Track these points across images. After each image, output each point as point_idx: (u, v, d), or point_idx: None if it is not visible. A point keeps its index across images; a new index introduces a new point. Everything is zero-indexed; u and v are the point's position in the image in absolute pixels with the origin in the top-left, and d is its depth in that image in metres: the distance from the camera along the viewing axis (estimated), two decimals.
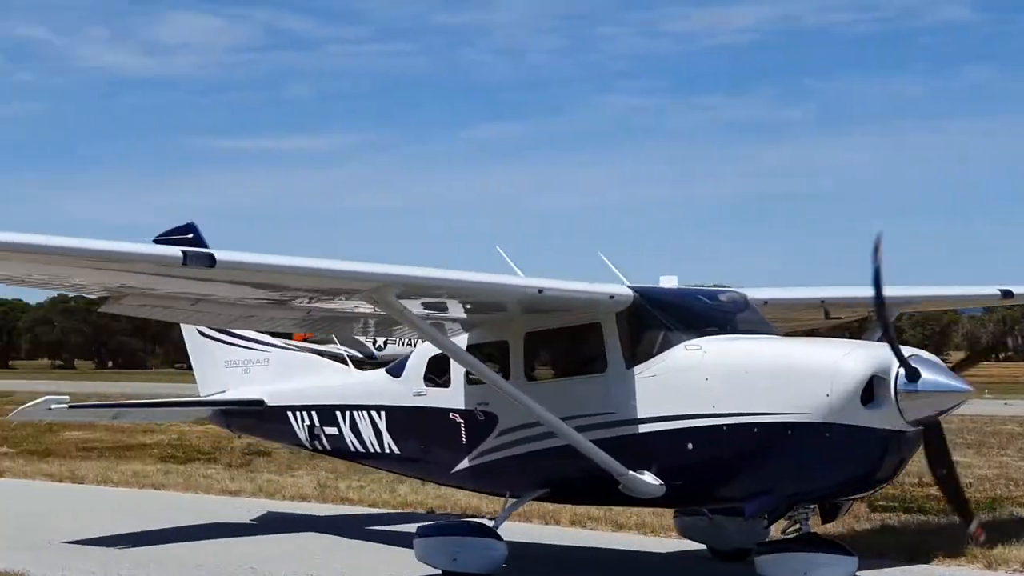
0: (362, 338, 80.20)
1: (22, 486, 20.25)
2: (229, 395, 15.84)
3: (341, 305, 11.30)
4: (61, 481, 20.51)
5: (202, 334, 16.27)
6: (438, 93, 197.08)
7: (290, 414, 14.69)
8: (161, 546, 14.06)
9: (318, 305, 11.34)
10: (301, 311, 11.56)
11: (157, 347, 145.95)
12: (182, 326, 16.13)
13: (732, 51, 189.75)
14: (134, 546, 13.99)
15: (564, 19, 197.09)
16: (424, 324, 11.50)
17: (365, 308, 11.39)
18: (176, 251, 9.61)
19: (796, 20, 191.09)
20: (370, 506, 17.39)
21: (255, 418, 15.29)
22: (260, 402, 15.11)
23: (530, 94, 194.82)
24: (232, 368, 16.00)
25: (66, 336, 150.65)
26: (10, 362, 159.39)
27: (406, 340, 73.29)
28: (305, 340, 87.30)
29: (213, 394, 16.13)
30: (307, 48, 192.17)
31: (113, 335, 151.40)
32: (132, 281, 10.28)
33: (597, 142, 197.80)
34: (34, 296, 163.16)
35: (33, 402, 14.93)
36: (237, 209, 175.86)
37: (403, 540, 13.22)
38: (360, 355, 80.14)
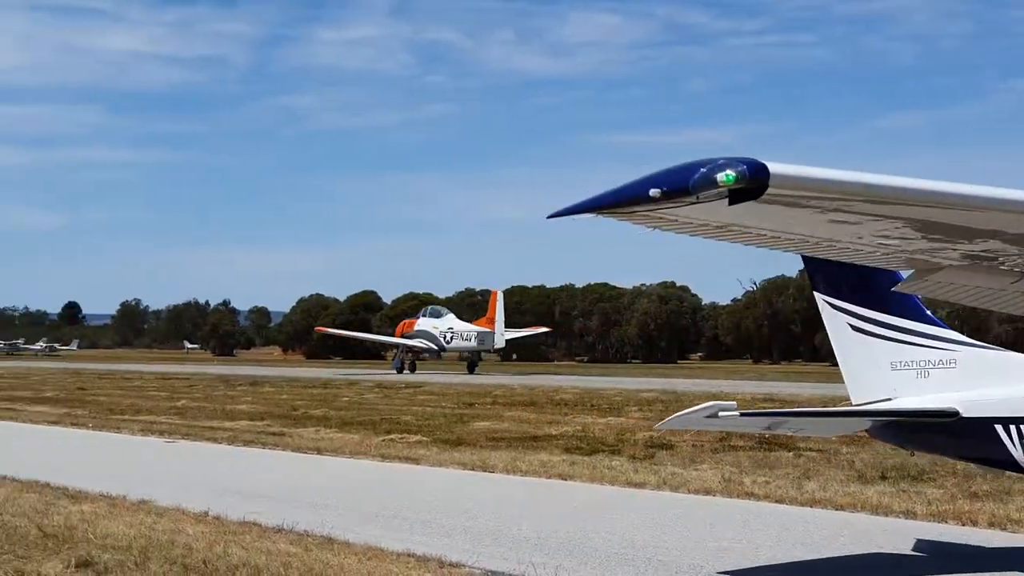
0: (434, 332, 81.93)
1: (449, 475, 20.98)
2: (902, 404, 12.89)
3: None
4: (473, 469, 21.04)
5: (857, 329, 13.42)
6: (841, 83, 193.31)
7: (1000, 429, 11.75)
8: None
9: None
10: None
11: (559, 340, 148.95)
12: (828, 319, 13.69)
13: None
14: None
15: (972, 2, 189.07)
16: None
17: None
18: None
19: None
20: (776, 502, 16.92)
21: (944, 433, 12.38)
22: (952, 413, 12.20)
23: (938, 80, 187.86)
24: (904, 371, 13.05)
25: None
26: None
27: (465, 335, 77.82)
28: (402, 335, 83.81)
29: (874, 402, 13.27)
30: (705, 42, 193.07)
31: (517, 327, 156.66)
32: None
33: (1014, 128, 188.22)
34: (445, 290, 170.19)
35: (698, 407, 12.32)
36: None
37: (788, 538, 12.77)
38: (434, 348, 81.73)
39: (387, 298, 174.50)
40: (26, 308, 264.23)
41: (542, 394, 46.26)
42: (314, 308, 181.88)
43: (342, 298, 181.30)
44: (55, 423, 32.78)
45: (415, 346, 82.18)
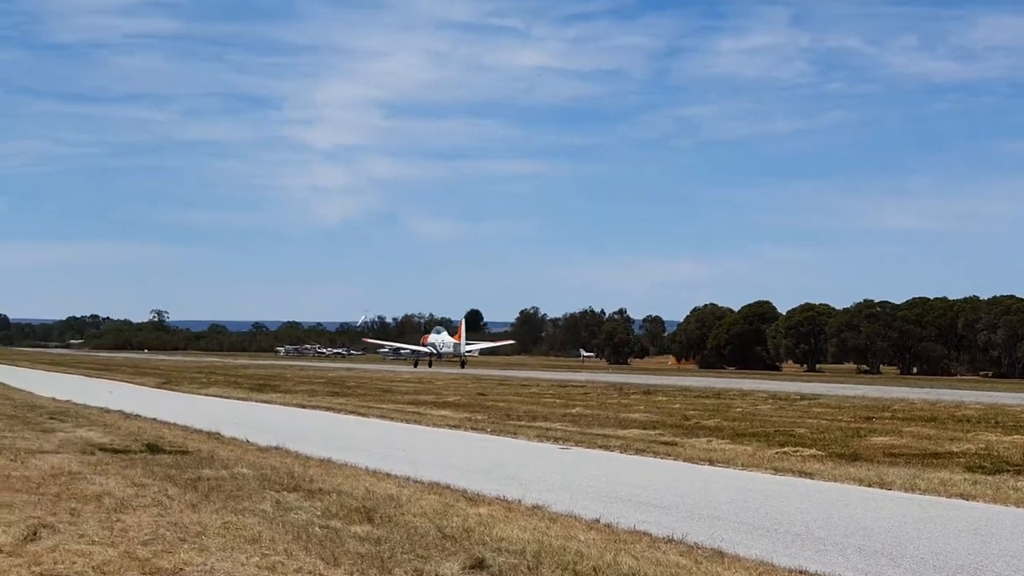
0: (436, 343, 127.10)
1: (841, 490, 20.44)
2: None
3: None
4: (868, 485, 20.32)
5: None
6: None
7: None
8: None
9: None
10: None
11: (961, 353, 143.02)
12: None
13: None
14: None
15: None
16: None
17: None
18: None
19: None
20: None
21: None
22: None
23: None
24: None
25: (871, 341, 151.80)
26: (817, 365, 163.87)
27: (446, 346, 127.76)
28: (422, 344, 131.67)
29: None
30: None
31: (918, 341, 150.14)
32: None
33: None
34: (842, 301, 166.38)
35: None
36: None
37: None
38: (434, 353, 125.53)
39: (782, 308, 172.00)
40: (431, 315, 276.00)
41: (943, 409, 44.35)
42: (708, 318, 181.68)
43: (736, 308, 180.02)
44: (456, 427, 33.96)
45: (425, 351, 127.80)
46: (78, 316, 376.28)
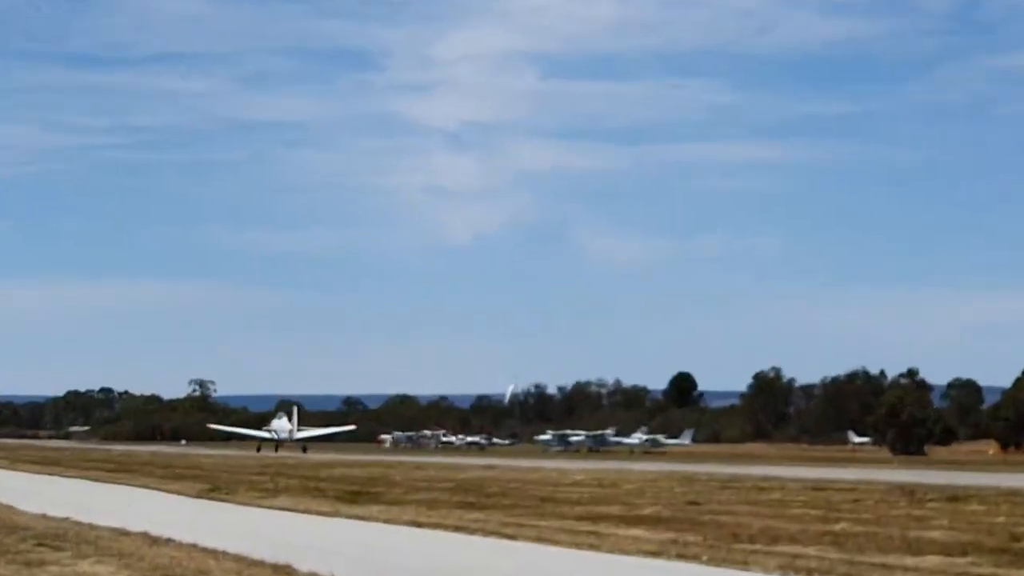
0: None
1: None
2: None
3: None
4: None
5: None
6: None
7: None
8: None
9: None
10: None
11: None
12: None
13: None
14: None
15: None
16: None
17: None
18: None
19: None
20: None
21: None
22: None
23: None
24: None
25: None
26: None
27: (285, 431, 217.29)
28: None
29: None
30: None
31: None
32: None
33: None
34: None
35: None
36: None
37: None
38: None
39: None
40: (616, 381, 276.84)
41: None
42: None
43: None
44: (654, 554, 33.65)
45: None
46: (82, 391, 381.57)
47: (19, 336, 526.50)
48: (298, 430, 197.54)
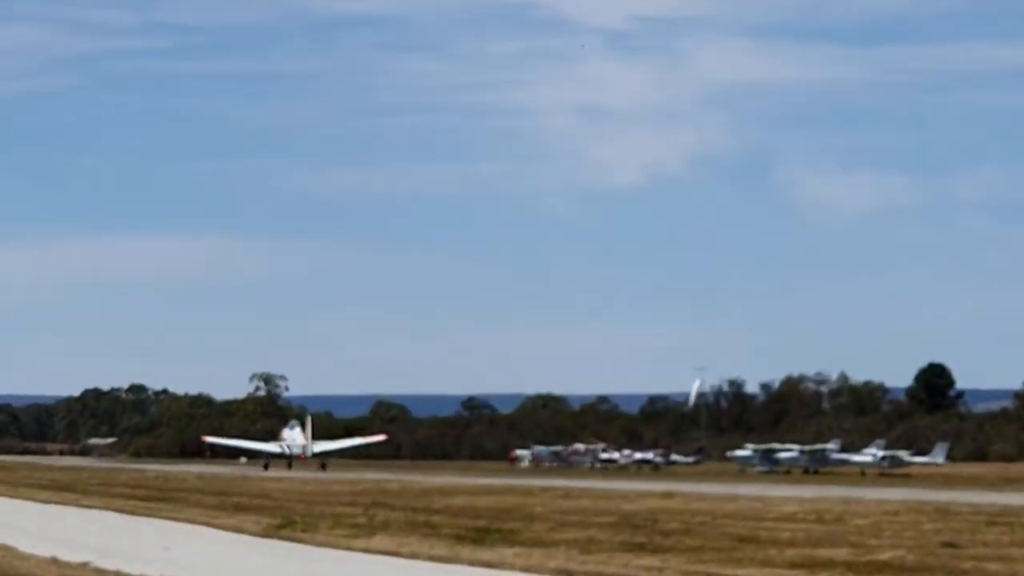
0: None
1: None
2: None
3: None
4: None
5: None
6: None
7: None
8: None
9: None
10: None
11: None
12: None
13: None
14: None
15: None
16: None
17: None
18: None
19: None
20: None
21: None
22: None
23: None
24: None
25: None
26: None
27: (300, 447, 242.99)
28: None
29: None
30: None
31: None
32: None
33: None
34: None
35: None
36: None
37: None
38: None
39: None
40: (842, 374, 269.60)
41: None
42: None
43: None
44: None
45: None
46: (104, 389, 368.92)
47: (17, 314, 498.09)
48: (314, 443, 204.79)
